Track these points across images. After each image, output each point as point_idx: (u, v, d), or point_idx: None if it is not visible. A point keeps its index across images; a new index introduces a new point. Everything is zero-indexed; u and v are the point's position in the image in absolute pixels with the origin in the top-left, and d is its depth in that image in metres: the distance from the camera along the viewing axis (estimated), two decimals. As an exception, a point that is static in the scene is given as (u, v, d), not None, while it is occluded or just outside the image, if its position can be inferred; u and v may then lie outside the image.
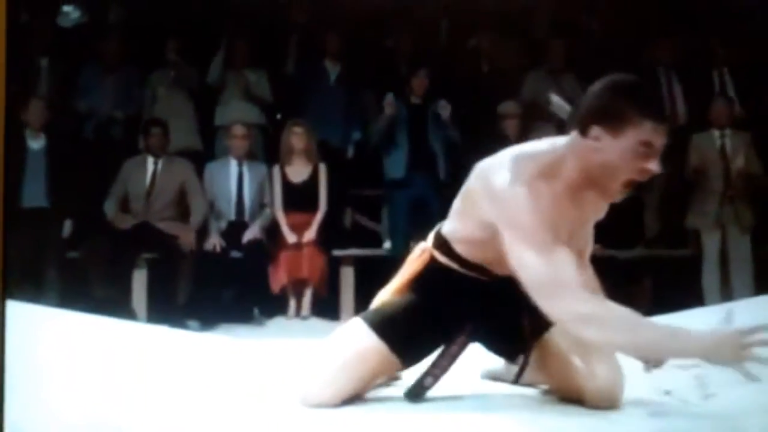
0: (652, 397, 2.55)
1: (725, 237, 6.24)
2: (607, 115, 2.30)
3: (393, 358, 2.53)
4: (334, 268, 6.25)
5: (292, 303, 6.14)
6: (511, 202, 2.31)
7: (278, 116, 7.04)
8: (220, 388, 2.72)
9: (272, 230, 6.30)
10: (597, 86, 2.36)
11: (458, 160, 6.25)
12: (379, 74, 6.93)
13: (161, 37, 6.82)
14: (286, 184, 6.35)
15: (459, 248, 2.53)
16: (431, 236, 2.65)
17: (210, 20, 6.99)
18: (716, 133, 6.29)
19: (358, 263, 6.30)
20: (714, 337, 2.22)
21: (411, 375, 2.62)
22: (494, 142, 6.04)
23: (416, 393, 2.56)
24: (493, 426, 2.32)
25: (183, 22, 6.99)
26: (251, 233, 6.19)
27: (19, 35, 6.79)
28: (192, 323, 5.79)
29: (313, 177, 6.36)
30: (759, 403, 2.39)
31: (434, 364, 2.57)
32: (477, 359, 2.77)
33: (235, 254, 6.19)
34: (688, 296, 5.76)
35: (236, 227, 6.26)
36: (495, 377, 2.91)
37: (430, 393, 2.58)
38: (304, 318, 6.08)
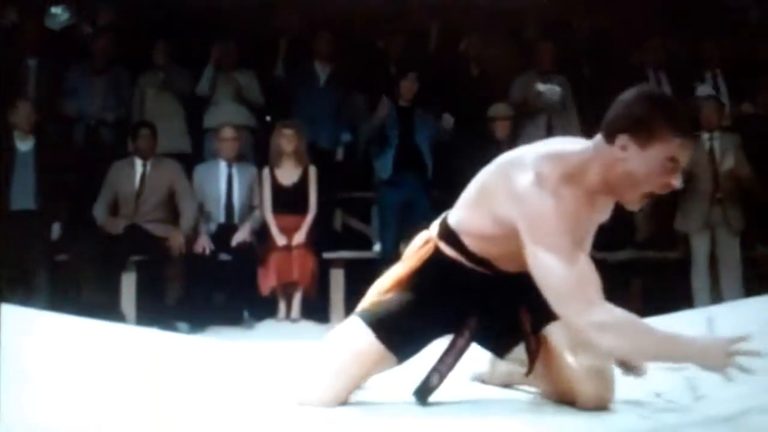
0: (644, 398, 2.56)
1: (714, 239, 6.26)
2: (637, 127, 2.28)
3: (389, 356, 2.52)
4: (324, 270, 6.25)
5: (282, 305, 6.13)
6: (535, 205, 2.29)
7: (268, 118, 7.04)
8: (210, 391, 2.71)
9: (262, 232, 6.29)
10: (630, 96, 2.35)
11: (448, 162, 6.26)
12: (369, 77, 6.94)
13: (150, 39, 6.81)
14: (276, 187, 6.34)
15: (467, 241, 2.50)
16: (435, 225, 2.61)
17: (200, 23, 6.98)
18: (705, 135, 6.30)
19: (348, 265, 6.30)
20: (704, 342, 2.26)
21: (409, 375, 2.61)
22: (484, 144, 6.11)
23: (424, 393, 2.54)
24: (490, 427, 2.32)
25: (172, 24, 6.98)
26: (241, 235, 6.18)
27: (7, 36, 6.81)
28: (181, 326, 5.78)
29: (303, 179, 6.36)
30: (749, 404, 2.40)
31: (440, 362, 2.55)
32: (470, 360, 2.76)
33: (225, 257, 6.19)
34: (678, 298, 5.78)
35: (226, 229, 6.25)
36: (481, 380, 2.91)
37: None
38: (294, 321, 6.08)
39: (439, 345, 2.60)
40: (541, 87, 6.59)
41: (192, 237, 6.12)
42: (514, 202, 2.33)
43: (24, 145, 6.17)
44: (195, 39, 6.94)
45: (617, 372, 2.53)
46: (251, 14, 7.01)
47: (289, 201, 6.29)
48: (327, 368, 2.50)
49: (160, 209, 6.21)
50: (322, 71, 6.91)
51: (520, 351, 2.59)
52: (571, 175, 2.34)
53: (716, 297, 6.06)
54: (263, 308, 6.14)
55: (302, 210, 6.30)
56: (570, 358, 2.47)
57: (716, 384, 2.32)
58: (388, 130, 6.37)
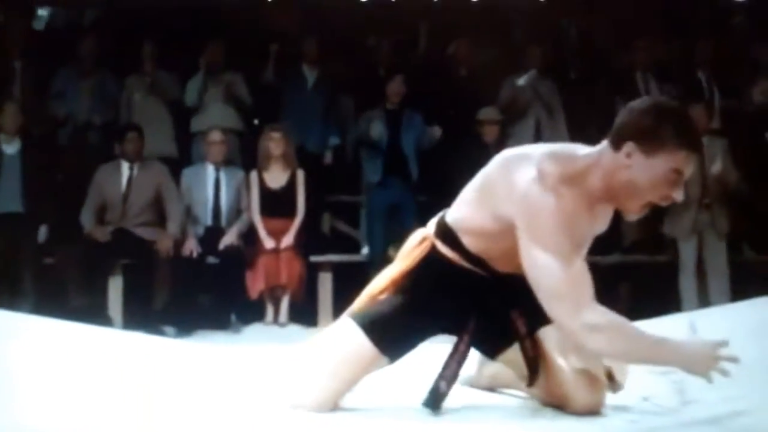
0: (632, 402, 2.56)
1: (702, 243, 6.27)
2: (644, 135, 2.29)
3: (381, 357, 2.50)
4: (312, 273, 6.23)
5: (270, 309, 6.11)
6: (534, 203, 2.29)
7: (256, 122, 7.02)
8: (197, 395, 2.70)
9: (249, 236, 6.27)
10: (641, 104, 2.36)
11: (435, 167, 6.27)
12: (357, 80, 6.93)
13: (138, 41, 6.77)
14: (264, 190, 6.32)
15: (465, 239, 2.49)
16: (432, 224, 2.59)
17: (188, 24, 6.96)
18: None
19: (336, 269, 6.29)
20: (691, 347, 2.28)
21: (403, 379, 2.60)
22: (472, 148, 6.11)
23: (435, 401, 2.51)
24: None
25: (160, 27, 6.95)
26: (228, 239, 6.16)
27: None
28: (168, 329, 5.75)
29: (291, 182, 6.34)
30: (736, 407, 2.41)
31: (445, 368, 2.53)
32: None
33: (212, 260, 6.17)
34: (666, 302, 5.79)
35: (213, 233, 6.23)
36: (468, 384, 2.90)
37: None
38: (282, 324, 6.06)
39: (433, 351, 2.59)
40: (521, 81, 6.65)
41: (179, 240, 6.10)
42: (513, 197, 2.33)
43: (10, 147, 6.14)
44: (184, 41, 6.91)
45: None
46: (241, 16, 6.99)
47: (277, 204, 6.28)
48: (319, 371, 2.50)
49: (147, 212, 6.19)
50: (310, 74, 6.90)
51: (506, 354, 2.59)
52: (573, 176, 2.34)
53: (704, 301, 6.08)
54: (251, 312, 6.12)
55: (290, 213, 6.28)
56: (562, 363, 2.47)
57: (703, 387, 2.33)
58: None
